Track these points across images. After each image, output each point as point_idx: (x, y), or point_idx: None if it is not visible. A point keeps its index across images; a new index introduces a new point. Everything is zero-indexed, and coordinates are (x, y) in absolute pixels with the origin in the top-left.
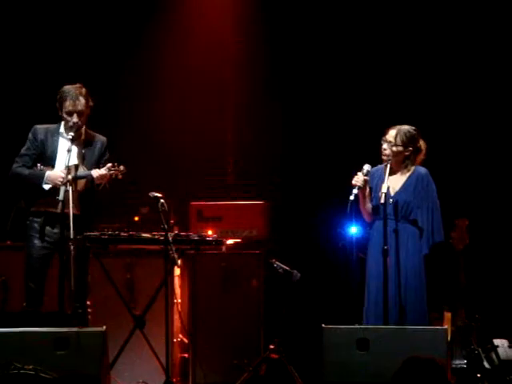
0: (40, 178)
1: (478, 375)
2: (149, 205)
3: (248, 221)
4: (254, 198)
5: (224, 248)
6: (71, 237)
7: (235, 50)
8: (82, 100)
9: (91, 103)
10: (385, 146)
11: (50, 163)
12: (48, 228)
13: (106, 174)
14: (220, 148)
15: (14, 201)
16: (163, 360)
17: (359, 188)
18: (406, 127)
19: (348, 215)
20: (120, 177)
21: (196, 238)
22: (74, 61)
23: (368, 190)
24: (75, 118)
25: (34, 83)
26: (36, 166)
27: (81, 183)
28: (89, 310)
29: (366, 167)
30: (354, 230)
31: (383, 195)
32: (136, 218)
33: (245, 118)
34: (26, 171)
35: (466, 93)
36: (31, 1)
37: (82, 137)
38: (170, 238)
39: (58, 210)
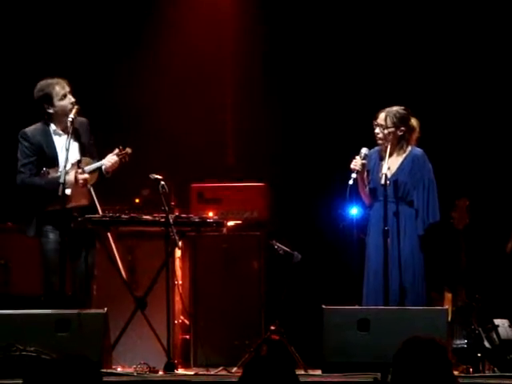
0: (60, 186)
1: (479, 355)
2: (149, 187)
3: (249, 202)
4: (255, 180)
5: (225, 230)
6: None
7: (235, 33)
8: (65, 81)
9: None
10: (377, 130)
11: (54, 164)
12: (62, 227)
13: (117, 161)
14: (220, 129)
15: (28, 205)
16: (164, 341)
17: (357, 172)
18: (394, 108)
19: (348, 199)
20: (127, 159)
21: (197, 220)
22: (70, 49)
23: (366, 173)
24: (72, 98)
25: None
26: (42, 171)
27: (94, 176)
28: (94, 293)
29: (364, 151)
30: (354, 211)
31: (384, 176)
32: (137, 200)
33: (245, 99)
34: (41, 181)
35: (466, 73)
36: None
37: (70, 128)
38: (171, 220)
39: (59, 193)
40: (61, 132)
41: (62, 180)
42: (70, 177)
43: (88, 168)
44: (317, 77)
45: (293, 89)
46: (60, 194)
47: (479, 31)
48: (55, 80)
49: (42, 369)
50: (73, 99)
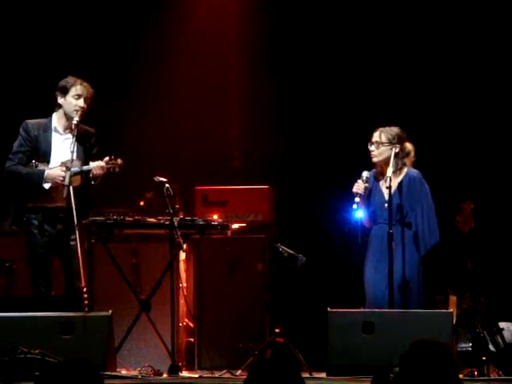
0: (40, 177)
1: (484, 358)
2: (154, 189)
3: (253, 205)
4: (259, 182)
5: (229, 232)
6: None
7: (239, 35)
8: (91, 90)
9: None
10: (372, 147)
11: (45, 159)
12: (46, 225)
13: (103, 166)
14: (225, 132)
15: (11, 196)
16: (169, 344)
17: (360, 196)
18: (388, 127)
19: (353, 223)
20: (117, 170)
21: (201, 223)
22: (75, 54)
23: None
24: (82, 103)
25: (25, 78)
26: (31, 163)
27: (78, 178)
28: (85, 295)
29: (365, 174)
30: (359, 214)
31: (388, 179)
32: (141, 203)
33: (250, 102)
34: (24, 170)
35: (470, 78)
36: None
37: (74, 131)
38: (176, 223)
39: (64, 195)
40: (61, 131)
41: (66, 182)
42: (52, 171)
43: (74, 170)
44: (322, 81)
45: (298, 91)
46: (64, 195)
47: (478, 43)
48: (84, 82)
49: (44, 372)
50: (83, 104)
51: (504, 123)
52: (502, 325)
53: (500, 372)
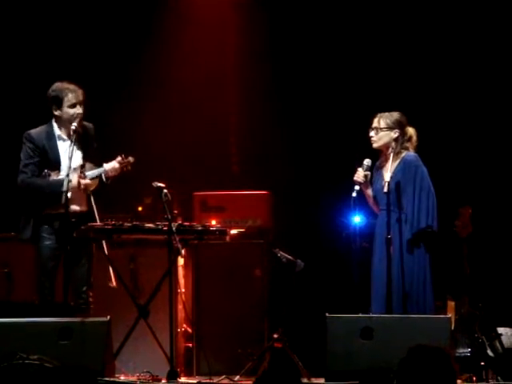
0: (60, 187)
1: (482, 363)
2: (152, 195)
3: (251, 210)
4: (258, 188)
5: (228, 238)
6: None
7: (237, 40)
8: (81, 91)
9: None
10: (371, 133)
11: (56, 167)
12: (60, 230)
13: (117, 168)
14: (223, 137)
15: (24, 207)
16: (167, 350)
17: (360, 184)
18: (388, 112)
19: (352, 211)
20: (129, 168)
21: (199, 228)
22: (76, 61)
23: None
24: (80, 110)
25: (27, 87)
26: (43, 173)
27: (94, 182)
28: (90, 300)
29: (366, 162)
30: (357, 219)
31: (386, 184)
32: (139, 208)
33: (249, 109)
34: (40, 181)
35: (470, 81)
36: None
37: (73, 137)
38: (174, 228)
39: (62, 201)
40: (65, 137)
41: (64, 188)
42: (73, 181)
43: (90, 174)
44: (321, 86)
45: (296, 98)
46: (63, 202)
47: (481, 39)
48: (72, 87)
49: (40, 377)
50: (80, 111)
51: (503, 127)
52: (500, 330)
53: (498, 377)
